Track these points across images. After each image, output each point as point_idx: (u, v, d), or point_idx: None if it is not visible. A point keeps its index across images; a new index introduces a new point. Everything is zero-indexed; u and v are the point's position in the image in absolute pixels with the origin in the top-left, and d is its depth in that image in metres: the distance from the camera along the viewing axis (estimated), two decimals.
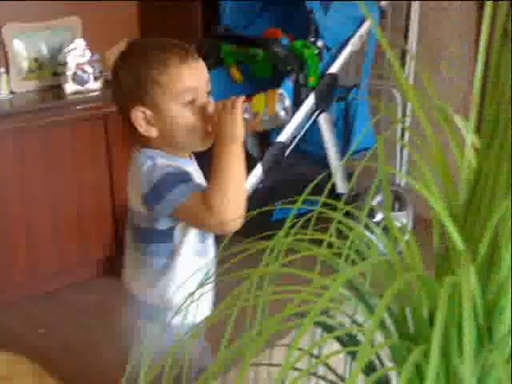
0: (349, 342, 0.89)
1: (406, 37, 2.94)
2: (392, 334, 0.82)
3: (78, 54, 2.73)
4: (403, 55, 2.98)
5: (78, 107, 2.65)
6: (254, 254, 0.91)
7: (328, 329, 0.90)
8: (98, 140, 2.63)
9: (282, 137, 2.57)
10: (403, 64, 2.95)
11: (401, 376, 0.60)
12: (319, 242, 0.92)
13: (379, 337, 0.82)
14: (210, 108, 1.31)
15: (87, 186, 2.64)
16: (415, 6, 2.93)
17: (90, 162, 2.63)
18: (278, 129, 2.55)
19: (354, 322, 0.89)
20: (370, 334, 0.62)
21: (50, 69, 2.89)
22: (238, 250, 0.96)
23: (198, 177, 1.37)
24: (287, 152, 2.61)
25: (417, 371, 0.75)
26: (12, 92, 2.77)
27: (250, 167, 2.28)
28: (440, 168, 0.81)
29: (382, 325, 0.81)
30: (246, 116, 1.29)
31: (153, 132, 1.31)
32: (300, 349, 0.86)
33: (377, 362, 0.87)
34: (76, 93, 2.72)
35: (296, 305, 0.74)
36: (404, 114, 2.98)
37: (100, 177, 2.66)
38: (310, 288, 0.74)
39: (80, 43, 2.74)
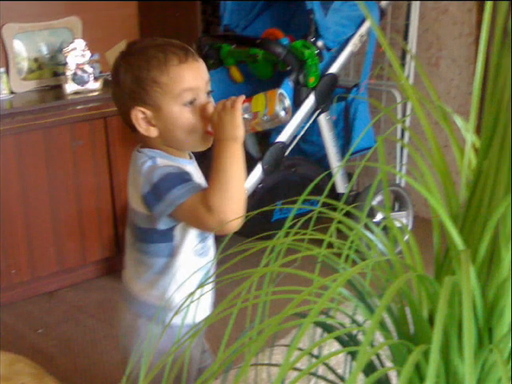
0: (349, 342, 0.89)
1: (406, 37, 2.93)
2: (392, 334, 0.82)
3: (77, 54, 2.73)
4: (403, 55, 2.98)
5: (77, 107, 2.64)
6: (253, 253, 0.91)
7: (328, 329, 0.90)
8: (98, 140, 2.63)
9: (282, 137, 2.57)
10: (403, 64, 2.95)
11: (401, 376, 0.60)
12: (319, 242, 0.92)
13: (379, 337, 0.82)
14: (210, 108, 1.31)
15: (87, 186, 2.64)
16: (415, 5, 2.93)
17: (90, 162, 2.63)
18: (278, 129, 2.55)
19: (354, 321, 0.89)
20: (370, 334, 0.62)
21: (50, 69, 2.89)
22: (237, 250, 0.96)
23: (198, 177, 1.37)
24: (287, 152, 2.61)
25: (417, 371, 0.75)
26: (12, 92, 2.77)
27: (250, 167, 2.28)
28: (440, 168, 0.81)
29: (381, 325, 0.81)
30: (246, 116, 1.29)
31: (153, 132, 1.31)
32: (300, 349, 0.86)
33: (377, 361, 0.87)
34: (76, 93, 2.72)
35: (296, 305, 0.74)
36: (404, 114, 2.97)
37: (100, 177, 2.66)
38: (310, 288, 0.74)
39: (80, 43, 2.74)
